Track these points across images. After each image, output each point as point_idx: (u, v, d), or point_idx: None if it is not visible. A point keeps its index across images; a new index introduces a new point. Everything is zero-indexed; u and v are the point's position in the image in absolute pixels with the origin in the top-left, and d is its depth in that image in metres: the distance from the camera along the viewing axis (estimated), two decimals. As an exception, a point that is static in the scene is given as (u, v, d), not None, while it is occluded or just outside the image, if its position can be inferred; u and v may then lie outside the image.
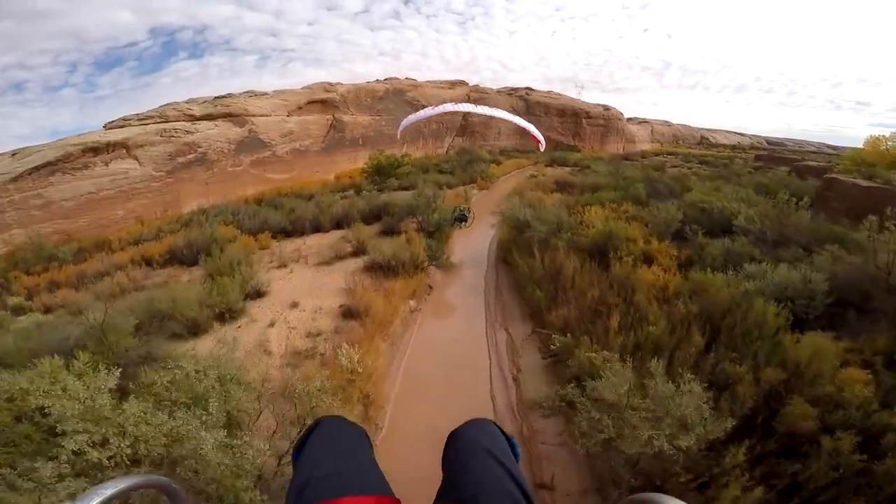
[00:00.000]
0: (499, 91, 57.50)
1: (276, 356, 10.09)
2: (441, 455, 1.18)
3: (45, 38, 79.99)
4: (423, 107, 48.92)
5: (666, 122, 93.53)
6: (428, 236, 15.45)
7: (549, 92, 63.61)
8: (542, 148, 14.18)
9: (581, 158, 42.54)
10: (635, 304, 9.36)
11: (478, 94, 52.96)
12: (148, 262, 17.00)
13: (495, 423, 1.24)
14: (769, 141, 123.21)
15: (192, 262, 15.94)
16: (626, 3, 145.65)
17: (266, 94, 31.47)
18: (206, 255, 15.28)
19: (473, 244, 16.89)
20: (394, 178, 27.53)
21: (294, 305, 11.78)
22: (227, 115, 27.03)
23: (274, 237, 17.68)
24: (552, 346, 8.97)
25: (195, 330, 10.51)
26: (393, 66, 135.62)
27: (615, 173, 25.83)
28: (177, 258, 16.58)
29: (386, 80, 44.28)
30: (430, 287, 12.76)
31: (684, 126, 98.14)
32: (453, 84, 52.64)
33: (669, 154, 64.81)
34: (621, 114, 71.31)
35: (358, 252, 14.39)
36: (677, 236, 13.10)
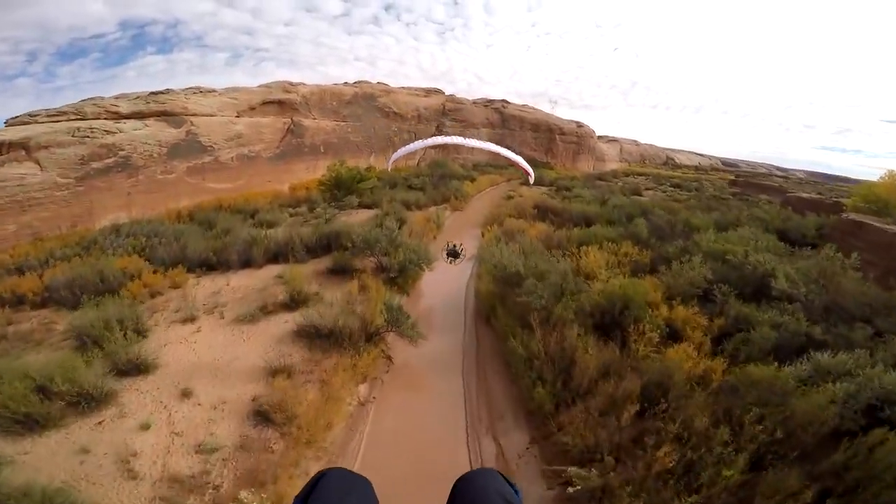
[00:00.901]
0: (475, 102, 54.88)
1: (143, 482, 6.54)
2: None
3: (8, 27, 71.63)
4: (395, 114, 45.35)
5: (634, 141, 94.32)
6: (389, 281, 12.05)
7: (524, 106, 61.67)
8: (532, 180, 11.16)
9: (557, 177, 40.29)
10: (685, 419, 6.36)
11: (453, 105, 50.14)
12: (20, 300, 12.80)
13: (499, 472, 1.17)
14: (724, 162, 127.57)
15: (74, 304, 11.91)
16: (599, 22, 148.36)
17: (214, 91, 27.16)
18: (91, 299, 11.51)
19: (446, 287, 13.59)
20: (355, 194, 23.95)
21: (186, 394, 8.06)
22: (162, 114, 22.60)
23: (192, 272, 13.75)
24: (568, 485, 6.01)
25: (40, 421, 7.03)
26: (368, 71, 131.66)
27: (602, 200, 23.30)
28: (54, 298, 12.46)
29: (356, 83, 40.61)
30: (390, 360, 9.36)
31: (650, 146, 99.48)
32: (428, 92, 49.53)
33: (639, 175, 64.29)
34: (593, 131, 70.51)
35: (292, 304, 10.75)
36: (702, 296, 10.37)
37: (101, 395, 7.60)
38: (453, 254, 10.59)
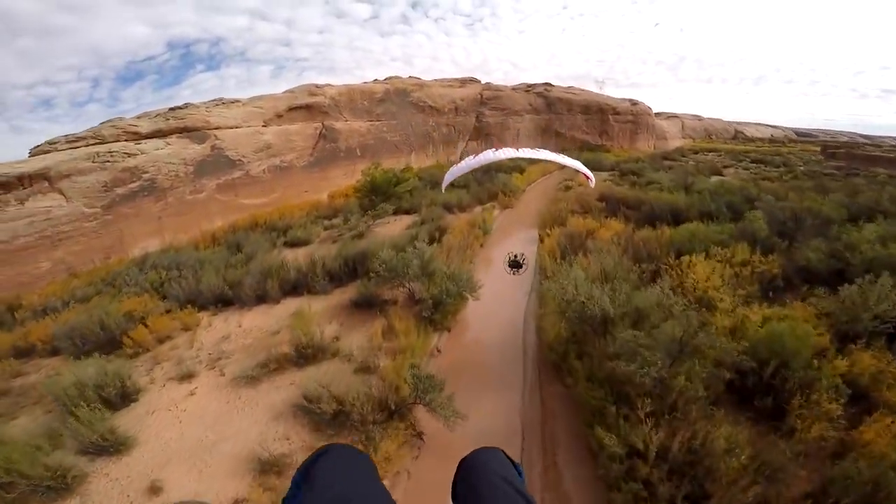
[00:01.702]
0: (514, 88, 50.89)
1: None
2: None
3: (66, 54, 78.55)
4: (430, 108, 42.62)
5: (696, 116, 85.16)
6: (426, 318, 9.34)
7: (570, 87, 56.66)
8: (592, 184, 9.07)
9: (618, 160, 35.61)
10: None
11: (491, 93, 46.58)
12: (32, 349, 11.75)
13: (502, 451, 1.19)
14: (798, 133, 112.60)
15: (78, 354, 10.50)
16: None
17: (237, 101, 25.91)
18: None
19: (500, 315, 10.65)
20: (394, 197, 21.59)
21: (155, 490, 5.94)
22: (183, 130, 21.49)
23: (207, 308, 11.94)
24: None
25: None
26: (406, 71, 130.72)
27: (685, 185, 18.97)
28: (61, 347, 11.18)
29: (386, 79, 38.36)
30: (420, 437, 6.68)
31: (716, 120, 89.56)
32: (463, 82, 46.36)
33: (709, 151, 56.96)
34: (650, 108, 63.71)
35: (300, 360, 8.38)
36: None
37: (63, 483, 6.03)
38: (516, 265, 8.76)
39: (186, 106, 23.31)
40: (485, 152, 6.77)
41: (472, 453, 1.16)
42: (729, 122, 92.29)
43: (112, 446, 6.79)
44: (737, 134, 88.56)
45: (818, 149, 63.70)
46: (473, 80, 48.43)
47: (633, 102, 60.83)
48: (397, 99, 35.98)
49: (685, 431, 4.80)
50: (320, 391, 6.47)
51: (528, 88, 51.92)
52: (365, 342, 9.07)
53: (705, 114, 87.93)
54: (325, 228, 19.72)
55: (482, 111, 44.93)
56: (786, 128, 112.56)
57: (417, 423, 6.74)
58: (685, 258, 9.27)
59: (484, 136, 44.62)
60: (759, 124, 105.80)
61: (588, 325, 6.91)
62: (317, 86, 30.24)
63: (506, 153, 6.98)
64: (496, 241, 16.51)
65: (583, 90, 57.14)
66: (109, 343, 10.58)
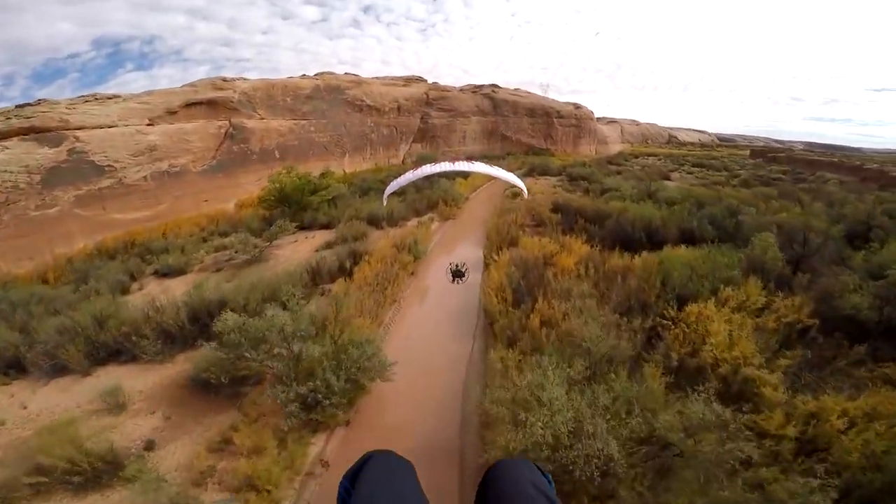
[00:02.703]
0: (462, 89, 47.95)
1: None
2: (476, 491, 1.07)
3: None
4: (369, 107, 38.36)
5: (634, 121, 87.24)
6: (302, 420, 5.56)
7: (516, 90, 54.72)
8: (525, 196, 9.11)
9: (564, 164, 33.51)
10: None
11: (438, 93, 43.25)
12: None
13: (529, 460, 1.15)
14: (720, 137, 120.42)
15: None
16: (578, 7, 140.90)
17: (117, 96, 20.52)
18: None
19: (431, 389, 7.16)
20: (309, 208, 17.44)
21: None
22: (29, 131, 16.05)
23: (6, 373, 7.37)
24: None
25: None
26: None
27: (648, 193, 16.35)
28: None
29: (316, 75, 33.78)
30: None
31: (651, 125, 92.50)
32: (408, 81, 42.66)
33: (649, 155, 57.47)
34: (592, 112, 63.44)
35: (80, 480, 4.39)
36: None
37: None
38: (458, 273, 8.06)
39: (40, 102, 17.68)
40: (423, 167, 6.68)
41: (499, 462, 1.12)
42: (663, 126, 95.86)
43: None
44: (670, 138, 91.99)
45: (746, 152, 66.69)
46: (419, 80, 44.85)
47: (577, 106, 60.19)
48: (329, 96, 31.56)
49: None
50: None
51: (476, 90, 49.19)
52: (191, 459, 5.17)
53: (641, 119, 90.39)
54: (216, 250, 15.18)
55: (428, 112, 41.46)
56: (710, 133, 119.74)
57: None
58: (691, 308, 6.20)
59: (429, 138, 41.18)
60: (689, 129, 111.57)
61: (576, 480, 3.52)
62: (224, 79, 25.21)
63: (441, 167, 6.61)
64: (433, 263, 13.01)
65: (529, 93, 55.48)
66: None
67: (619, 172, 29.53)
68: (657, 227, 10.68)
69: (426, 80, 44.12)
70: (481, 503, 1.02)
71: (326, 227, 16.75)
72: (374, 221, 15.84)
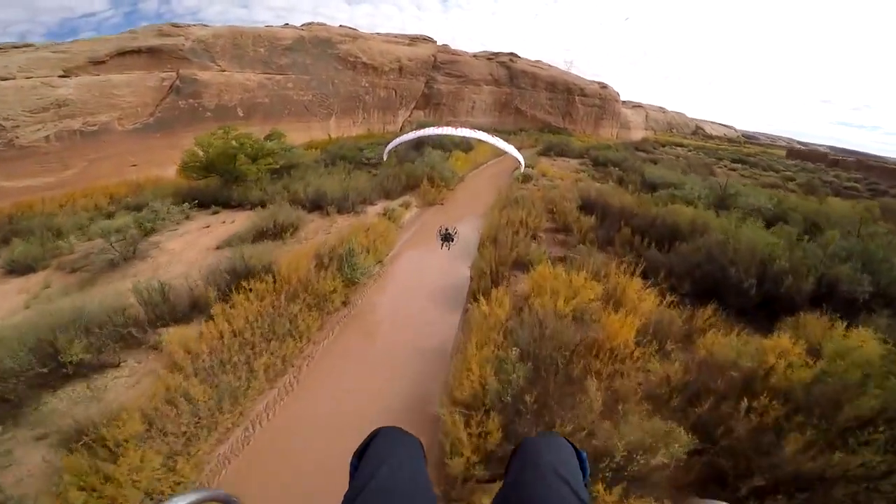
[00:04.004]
0: (476, 55, 41.68)
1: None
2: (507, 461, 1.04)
3: None
4: (365, 65, 32.18)
5: (661, 108, 79.64)
6: None
7: (537, 61, 48.17)
8: (523, 168, 8.11)
9: (587, 146, 27.90)
10: None
11: (447, 56, 37.21)
12: None
13: (566, 439, 1.06)
14: (744, 134, 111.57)
15: None
16: None
17: (30, 45, 15.67)
18: None
19: None
20: (245, 180, 12.52)
21: None
22: None
23: None
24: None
25: None
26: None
27: (721, 197, 10.63)
28: None
29: (304, 25, 28.03)
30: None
31: (678, 114, 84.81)
32: (414, 40, 36.54)
33: (677, 145, 51.23)
34: (618, 94, 56.48)
35: None
36: None
37: None
38: (447, 237, 7.39)
39: None
40: (426, 129, 6.13)
41: (531, 438, 1.07)
42: (691, 118, 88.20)
43: None
44: (697, 130, 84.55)
45: (781, 153, 59.86)
46: (427, 39, 38.57)
47: (603, 86, 53.49)
48: (316, 50, 25.96)
49: None
50: None
51: (491, 57, 42.85)
52: None
53: (669, 107, 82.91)
54: (102, 234, 10.40)
55: (434, 76, 35.61)
56: (737, 129, 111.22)
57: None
58: None
59: (433, 105, 35.49)
60: (715, 123, 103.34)
61: None
62: (176, 25, 19.86)
63: (444, 130, 6.11)
64: (401, 257, 8.20)
65: (550, 66, 48.89)
66: None
67: (653, 161, 24.01)
68: (780, 270, 5.70)
69: (435, 41, 37.93)
70: (506, 474, 0.98)
71: (264, 205, 11.85)
72: (317, 204, 10.85)
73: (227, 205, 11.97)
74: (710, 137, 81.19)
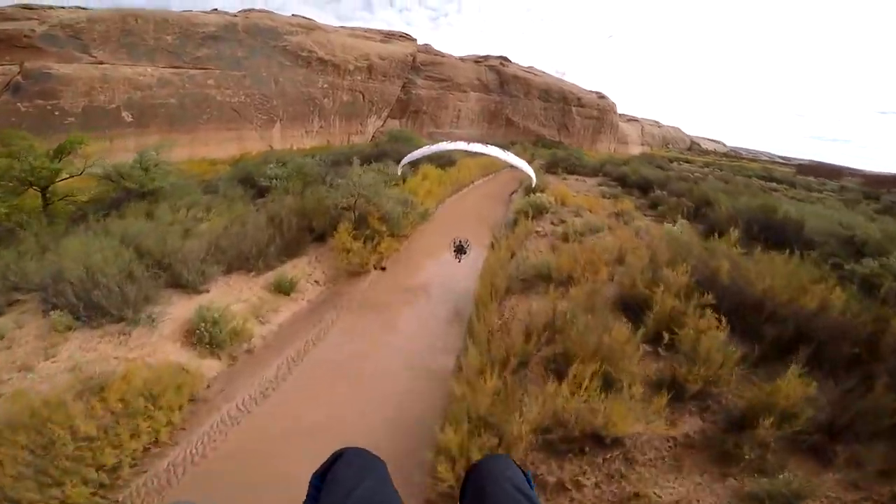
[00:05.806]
0: (462, 58, 36.10)
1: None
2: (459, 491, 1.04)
3: None
4: (323, 62, 23.96)
5: (656, 122, 75.29)
6: None
7: (529, 67, 42.91)
8: (534, 183, 8.07)
9: (603, 161, 21.98)
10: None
11: (429, 56, 31.52)
12: None
13: (510, 457, 1.08)
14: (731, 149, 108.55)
15: None
16: (594, 8, 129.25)
17: None
18: None
19: None
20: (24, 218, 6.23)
21: None
22: None
23: None
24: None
25: None
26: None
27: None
28: None
29: (240, 12, 21.98)
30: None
31: (674, 128, 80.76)
32: (389, 36, 30.72)
33: (684, 161, 46.11)
34: (615, 105, 51.48)
35: None
36: None
37: None
38: (460, 250, 7.15)
39: None
40: (440, 143, 6.07)
41: (481, 460, 1.08)
42: (686, 133, 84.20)
43: None
44: (692, 145, 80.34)
45: (791, 170, 54.98)
46: (405, 37, 32.78)
47: (601, 96, 48.44)
48: (252, 41, 19.85)
49: None
50: None
51: (480, 60, 37.36)
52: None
53: (663, 121, 78.69)
54: None
55: (413, 79, 29.81)
56: (726, 144, 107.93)
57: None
58: None
59: (412, 113, 29.58)
60: (706, 138, 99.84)
61: None
62: (28, 6, 13.75)
63: (457, 146, 5.95)
64: None
65: (544, 72, 43.68)
66: None
67: (686, 179, 18.18)
68: None
69: (414, 40, 32.21)
70: (463, 499, 1.00)
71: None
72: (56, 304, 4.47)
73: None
74: (706, 152, 76.99)
